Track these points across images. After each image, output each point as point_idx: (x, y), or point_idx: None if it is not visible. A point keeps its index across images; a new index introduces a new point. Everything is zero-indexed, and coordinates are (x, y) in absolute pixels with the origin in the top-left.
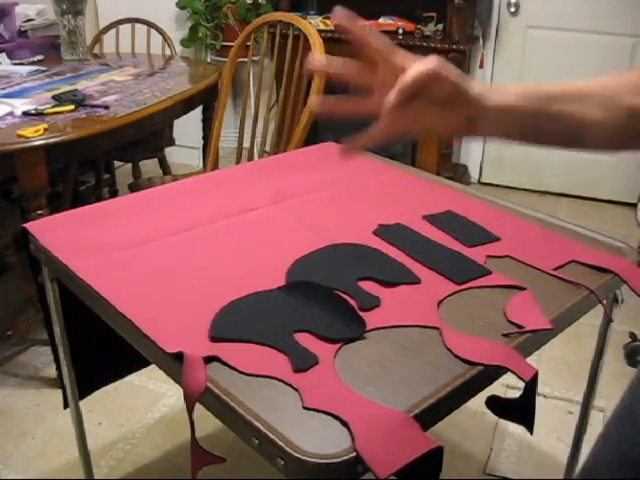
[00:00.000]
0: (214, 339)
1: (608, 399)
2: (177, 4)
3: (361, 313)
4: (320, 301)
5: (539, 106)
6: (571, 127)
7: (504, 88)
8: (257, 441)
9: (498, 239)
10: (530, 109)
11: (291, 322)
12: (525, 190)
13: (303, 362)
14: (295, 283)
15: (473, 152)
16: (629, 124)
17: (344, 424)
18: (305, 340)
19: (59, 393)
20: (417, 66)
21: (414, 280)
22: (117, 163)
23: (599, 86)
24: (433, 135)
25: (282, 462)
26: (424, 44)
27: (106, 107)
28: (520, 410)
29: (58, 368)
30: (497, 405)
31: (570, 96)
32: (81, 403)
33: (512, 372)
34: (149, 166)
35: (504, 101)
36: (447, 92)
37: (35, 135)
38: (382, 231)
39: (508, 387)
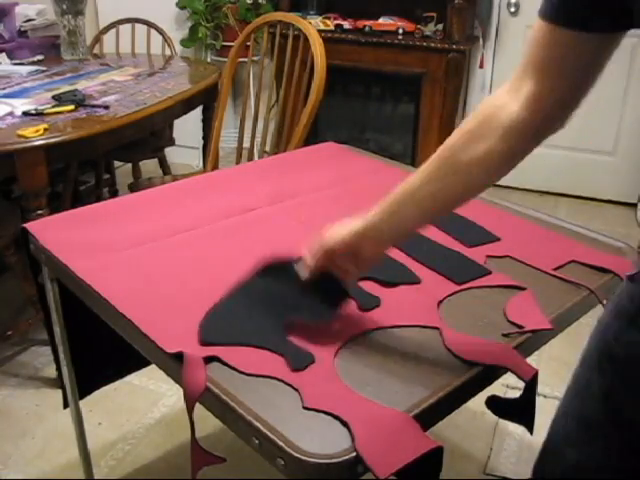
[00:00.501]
0: (204, 343)
1: None
2: (177, 4)
3: (361, 313)
4: (299, 283)
5: (402, 199)
6: (440, 201)
7: (368, 215)
8: (257, 441)
9: (498, 239)
10: (397, 207)
11: (280, 315)
12: (525, 190)
13: (299, 362)
14: (267, 268)
15: None
16: (477, 173)
17: (344, 424)
18: (302, 339)
19: (59, 393)
20: (309, 257)
21: (414, 280)
22: (117, 163)
23: (441, 158)
24: (368, 266)
25: (282, 462)
26: (424, 44)
27: (106, 107)
28: (520, 410)
29: (58, 368)
30: (497, 405)
31: (416, 187)
32: (81, 403)
33: (512, 372)
34: (149, 166)
35: (374, 218)
36: (345, 250)
37: (35, 135)
38: None
39: (508, 387)
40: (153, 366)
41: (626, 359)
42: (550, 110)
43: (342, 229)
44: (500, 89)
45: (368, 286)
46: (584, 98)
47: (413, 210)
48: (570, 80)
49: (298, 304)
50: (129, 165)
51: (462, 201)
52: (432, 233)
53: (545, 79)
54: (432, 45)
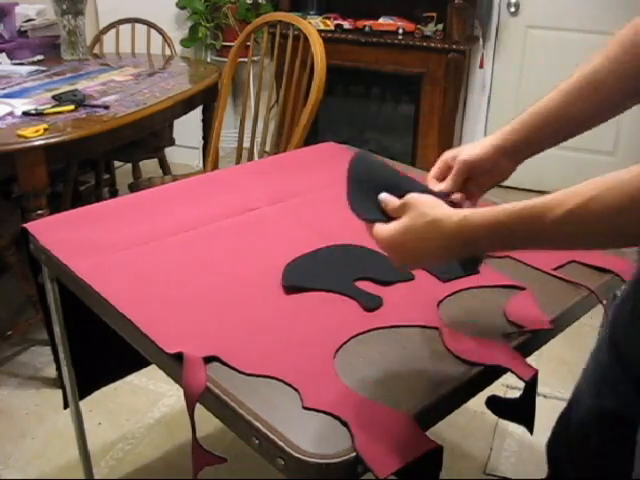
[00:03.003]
0: (288, 288)
1: None
2: (177, 4)
3: (361, 313)
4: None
5: (541, 118)
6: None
7: (503, 132)
8: (257, 441)
9: None
10: (538, 125)
11: (352, 272)
12: (525, 190)
13: (371, 303)
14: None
15: None
16: (615, 90)
17: (344, 424)
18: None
19: (59, 393)
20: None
21: (408, 277)
22: (117, 163)
23: (583, 81)
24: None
25: (282, 462)
26: (424, 44)
27: (106, 107)
28: (520, 410)
29: (58, 368)
30: (497, 405)
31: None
32: (81, 403)
33: (512, 372)
34: (149, 166)
35: (511, 135)
36: (483, 163)
37: (35, 135)
38: None
39: (508, 387)
40: (153, 366)
41: (632, 312)
42: None
43: (475, 147)
44: None
45: (366, 286)
46: None
47: (551, 129)
48: None
49: (366, 269)
50: (129, 165)
51: (600, 121)
52: None
53: None
54: (432, 45)
